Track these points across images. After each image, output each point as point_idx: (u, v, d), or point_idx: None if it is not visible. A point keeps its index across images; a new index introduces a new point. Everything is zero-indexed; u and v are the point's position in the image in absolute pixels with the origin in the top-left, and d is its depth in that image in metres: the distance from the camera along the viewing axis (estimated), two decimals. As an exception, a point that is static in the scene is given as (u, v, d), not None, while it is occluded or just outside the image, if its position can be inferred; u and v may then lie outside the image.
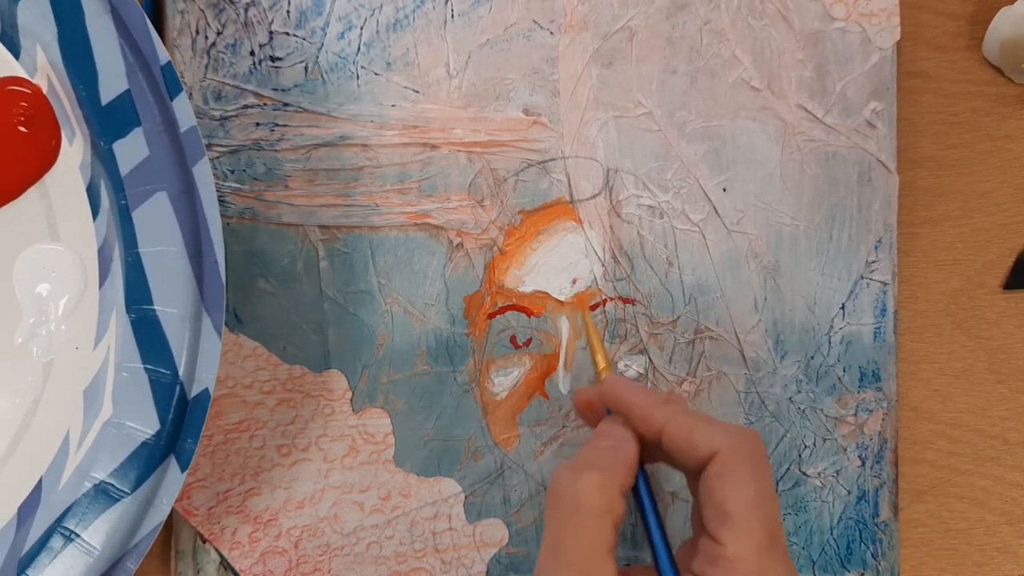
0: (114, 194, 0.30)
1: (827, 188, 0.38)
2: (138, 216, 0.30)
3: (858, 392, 0.39)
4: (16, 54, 0.31)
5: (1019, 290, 0.41)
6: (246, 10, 0.35)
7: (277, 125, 0.36)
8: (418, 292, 0.37)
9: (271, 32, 0.36)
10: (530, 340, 0.37)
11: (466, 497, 0.37)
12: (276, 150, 0.36)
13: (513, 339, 0.37)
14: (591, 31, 0.37)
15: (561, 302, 0.38)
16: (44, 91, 0.31)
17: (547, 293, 0.37)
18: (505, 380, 0.37)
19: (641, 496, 0.28)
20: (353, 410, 0.37)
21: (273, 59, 0.36)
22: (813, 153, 0.38)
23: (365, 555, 0.37)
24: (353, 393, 0.37)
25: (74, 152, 0.31)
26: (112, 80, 0.30)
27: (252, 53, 0.36)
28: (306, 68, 0.36)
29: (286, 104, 0.36)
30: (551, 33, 0.37)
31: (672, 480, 0.38)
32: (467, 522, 0.37)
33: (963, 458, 0.41)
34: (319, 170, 0.36)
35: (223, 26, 0.35)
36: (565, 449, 0.38)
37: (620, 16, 0.37)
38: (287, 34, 0.36)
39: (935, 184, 0.41)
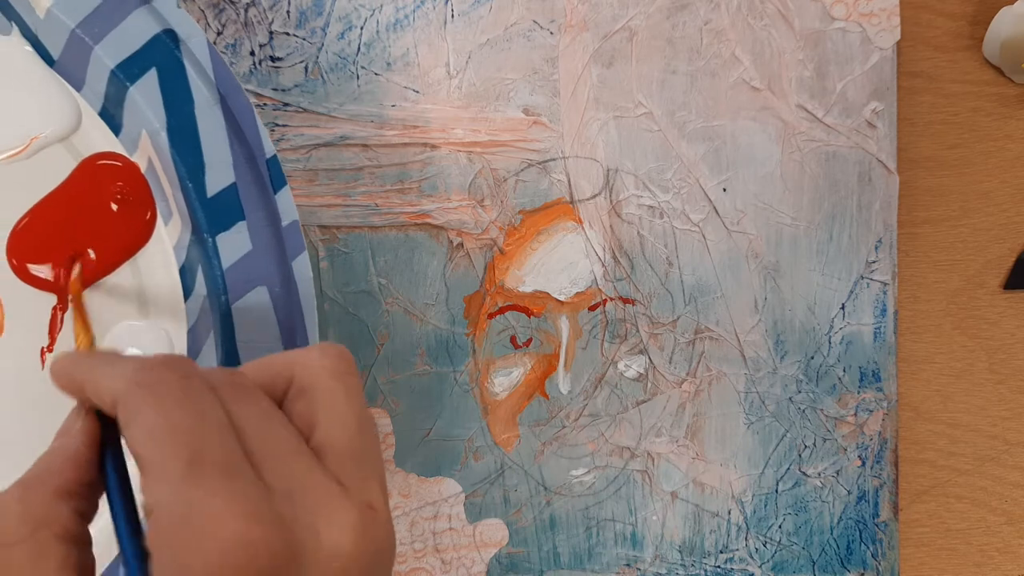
0: (214, 286, 0.30)
1: (827, 188, 0.38)
2: (237, 309, 0.29)
3: (858, 392, 0.39)
4: (116, 131, 0.31)
5: (1019, 290, 0.41)
6: (246, 10, 0.35)
7: (277, 125, 0.36)
8: (418, 292, 0.37)
9: (271, 32, 0.36)
10: (530, 340, 0.37)
11: (466, 497, 0.37)
12: (276, 150, 0.36)
13: (513, 339, 0.37)
14: (591, 31, 0.37)
15: (561, 302, 0.38)
16: (143, 170, 0.31)
17: (547, 293, 0.37)
18: (505, 380, 0.37)
19: (108, 478, 0.22)
20: (353, 410, 0.37)
21: (273, 59, 0.36)
22: (813, 153, 0.38)
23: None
24: (353, 393, 0.37)
25: (170, 232, 0.31)
26: (219, 172, 0.29)
27: (252, 53, 0.36)
28: (306, 68, 0.36)
29: (286, 104, 0.36)
30: (551, 33, 0.37)
31: (672, 479, 0.38)
32: (467, 522, 0.37)
33: (963, 458, 0.41)
34: (319, 170, 0.36)
35: (223, 26, 0.35)
36: (566, 449, 0.38)
37: (620, 16, 0.37)
38: (287, 34, 0.36)
39: (935, 184, 0.41)
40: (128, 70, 0.29)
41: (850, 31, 0.38)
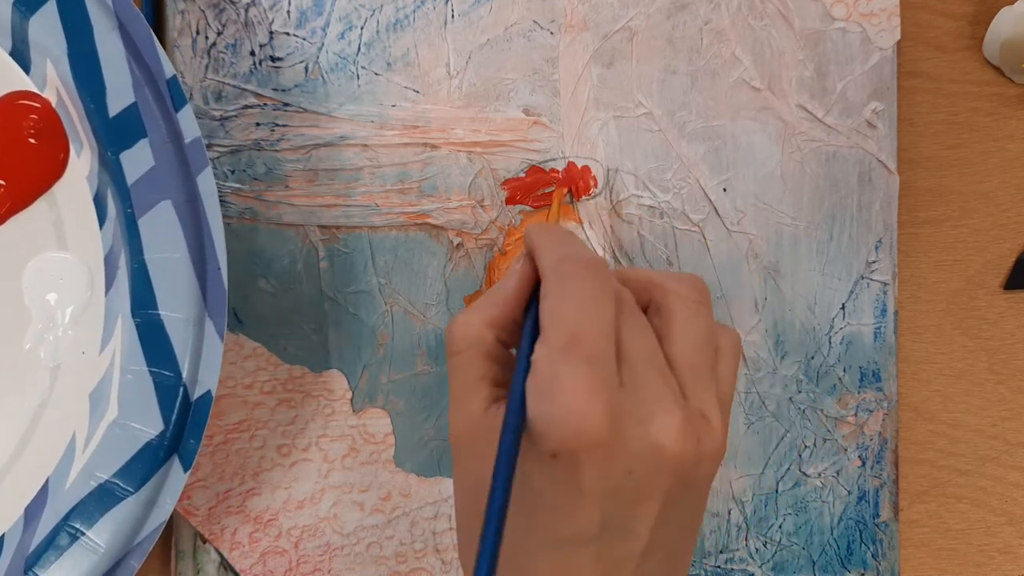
0: (120, 203, 0.31)
1: (827, 188, 0.38)
2: (144, 224, 0.31)
3: (858, 392, 0.39)
4: (27, 69, 0.32)
5: (1019, 290, 0.41)
6: (246, 10, 0.36)
7: (277, 125, 0.36)
8: (418, 292, 0.37)
9: (271, 32, 0.36)
10: (530, 340, 0.37)
11: (466, 497, 0.37)
12: (276, 150, 0.36)
13: (513, 339, 0.37)
14: (591, 31, 0.37)
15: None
16: (53, 104, 0.32)
17: (547, 293, 0.37)
18: (505, 380, 0.37)
19: (524, 323, 0.28)
20: (353, 410, 0.37)
21: (273, 59, 0.36)
22: (813, 153, 0.38)
23: (365, 555, 0.37)
24: (353, 393, 0.37)
25: (82, 163, 0.32)
26: (119, 93, 0.31)
27: (252, 53, 0.36)
28: (306, 68, 0.36)
29: (286, 104, 0.36)
30: (551, 33, 0.37)
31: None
32: (467, 522, 0.37)
33: (963, 458, 0.41)
34: (319, 170, 0.36)
35: (223, 26, 0.35)
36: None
37: (620, 16, 0.37)
38: (287, 34, 0.36)
39: (935, 184, 0.41)
40: (29, 1, 0.31)
41: (850, 31, 0.38)
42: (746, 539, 0.39)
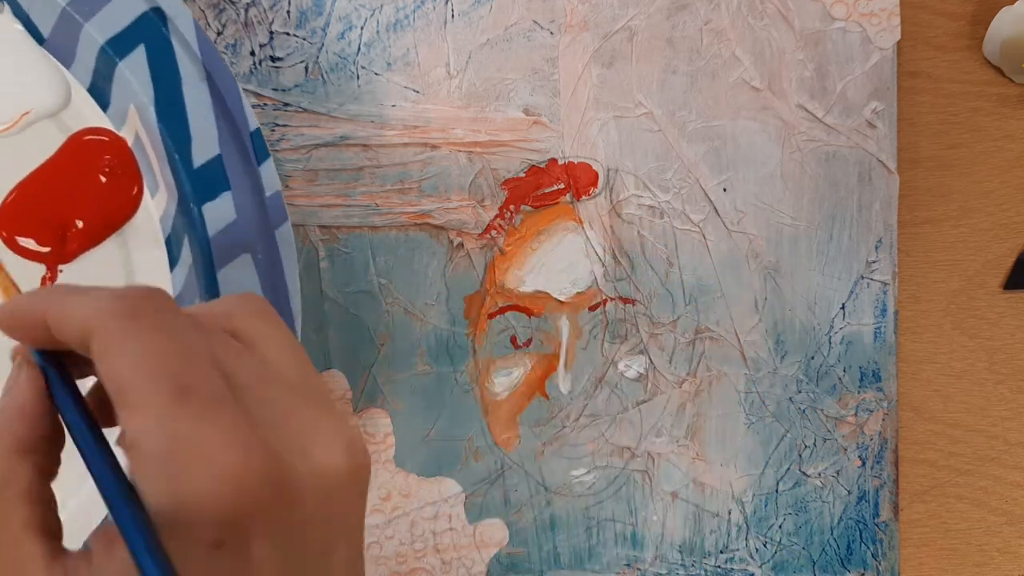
0: (200, 253, 0.31)
1: (827, 188, 0.38)
2: (223, 276, 0.30)
3: (858, 392, 0.39)
4: (104, 106, 0.32)
5: (1019, 290, 0.41)
6: (246, 10, 0.35)
7: (277, 125, 0.36)
8: (418, 292, 0.37)
9: (271, 32, 0.36)
10: (530, 340, 0.37)
11: (466, 497, 0.37)
12: (276, 150, 0.36)
13: (513, 339, 0.37)
14: (591, 31, 0.37)
15: (561, 302, 0.37)
16: (130, 144, 0.32)
17: (547, 293, 0.37)
18: (505, 380, 0.37)
19: (70, 421, 0.21)
20: (353, 410, 0.37)
21: (273, 59, 0.36)
22: (813, 153, 0.38)
23: (365, 555, 0.37)
24: (353, 393, 0.37)
25: (156, 205, 0.32)
26: (205, 145, 0.30)
27: (252, 53, 0.36)
28: (306, 68, 0.36)
29: (286, 104, 0.36)
30: (551, 33, 0.37)
31: (672, 479, 0.38)
32: (467, 522, 0.37)
33: (963, 458, 0.41)
34: (319, 170, 0.36)
35: (223, 26, 0.35)
36: (566, 449, 0.38)
37: (620, 16, 0.37)
38: (287, 34, 0.36)
39: (935, 184, 0.41)
40: (117, 46, 0.30)
41: (850, 31, 0.38)
42: (746, 539, 0.39)
